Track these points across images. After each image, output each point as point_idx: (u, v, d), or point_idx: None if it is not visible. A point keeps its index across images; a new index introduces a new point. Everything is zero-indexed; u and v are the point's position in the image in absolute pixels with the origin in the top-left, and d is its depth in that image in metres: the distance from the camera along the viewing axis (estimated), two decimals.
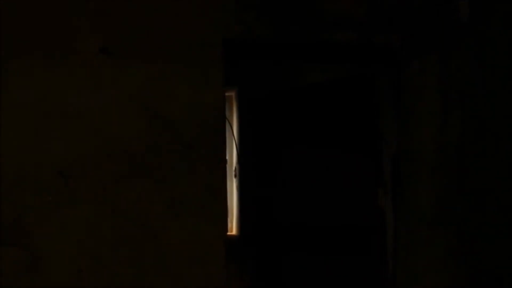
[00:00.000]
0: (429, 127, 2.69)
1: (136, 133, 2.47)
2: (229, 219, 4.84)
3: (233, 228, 4.79)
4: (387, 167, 2.95)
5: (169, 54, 2.51)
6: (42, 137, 2.42)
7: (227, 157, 4.75)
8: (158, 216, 2.47)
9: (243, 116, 4.38)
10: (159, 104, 2.49)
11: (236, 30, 2.58)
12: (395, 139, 2.86)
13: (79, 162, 2.43)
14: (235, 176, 4.70)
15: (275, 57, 2.87)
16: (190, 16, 2.53)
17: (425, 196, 2.72)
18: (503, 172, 2.28)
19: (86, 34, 2.46)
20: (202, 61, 2.53)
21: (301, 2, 2.64)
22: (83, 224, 2.44)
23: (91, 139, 2.45)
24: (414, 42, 2.74)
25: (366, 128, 3.18)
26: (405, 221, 2.79)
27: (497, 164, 2.35)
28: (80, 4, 2.45)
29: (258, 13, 2.58)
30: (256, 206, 4.17)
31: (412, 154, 2.76)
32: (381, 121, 3.02)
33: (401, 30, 2.73)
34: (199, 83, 2.52)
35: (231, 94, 4.73)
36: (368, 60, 2.98)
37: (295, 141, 3.67)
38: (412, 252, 2.77)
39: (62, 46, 2.44)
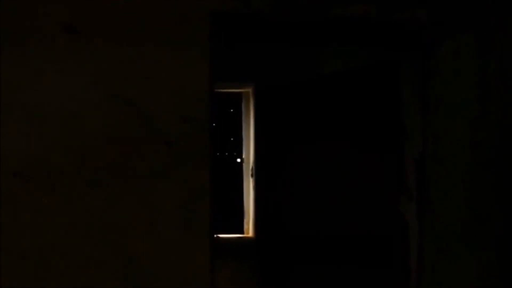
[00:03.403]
0: (463, 121, 2.43)
1: (106, 127, 2.18)
2: (245, 221, 4.71)
3: (249, 230, 4.64)
4: (411, 169, 2.68)
5: (145, 32, 2.20)
6: None
7: (243, 156, 4.69)
8: (131, 224, 2.18)
9: (258, 112, 4.26)
10: (133, 93, 2.19)
11: (230, 4, 2.25)
12: (421, 136, 2.58)
13: (38, 162, 2.15)
14: (252, 175, 4.54)
15: (277, 37, 2.48)
16: None
17: (457, 204, 2.45)
18: None
19: (48, 10, 2.15)
20: (185, 41, 2.21)
21: None
22: (42, 236, 2.14)
23: (53, 135, 2.16)
24: (445, 19, 2.45)
25: (387, 124, 2.93)
26: (432, 233, 2.51)
27: None
28: None
29: None
30: (266, 209, 4.01)
31: (441, 153, 2.48)
32: (404, 115, 2.77)
33: (430, 4, 2.42)
34: (180, 68, 2.20)
35: (248, 90, 4.57)
36: (390, 41, 2.62)
37: (308, 140, 3.48)
38: (440, 269, 2.50)
39: (18, 25, 2.15)
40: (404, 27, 2.42)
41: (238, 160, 5.20)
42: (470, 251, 2.41)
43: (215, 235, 4.21)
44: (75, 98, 2.17)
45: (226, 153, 5.31)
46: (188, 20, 2.20)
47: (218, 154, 5.17)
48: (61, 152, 2.16)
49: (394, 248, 2.84)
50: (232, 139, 5.29)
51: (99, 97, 2.18)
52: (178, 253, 2.21)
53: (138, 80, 2.19)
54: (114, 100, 2.17)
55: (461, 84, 2.45)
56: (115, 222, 2.18)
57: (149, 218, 2.19)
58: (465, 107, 2.44)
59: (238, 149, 5.12)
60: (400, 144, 2.77)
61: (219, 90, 4.52)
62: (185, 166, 2.20)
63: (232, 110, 5.22)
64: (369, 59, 3.10)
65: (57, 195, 2.15)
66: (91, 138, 2.17)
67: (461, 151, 2.45)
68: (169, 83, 2.20)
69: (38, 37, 2.15)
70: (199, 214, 2.22)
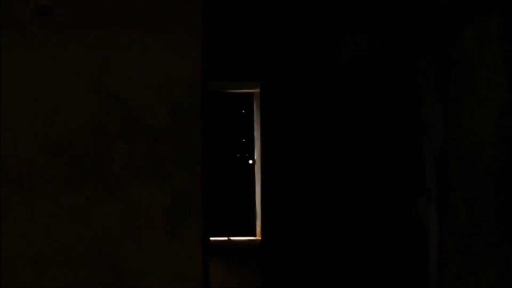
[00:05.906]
0: (488, 112, 2.21)
1: (87, 121, 1.96)
2: (257, 223, 4.45)
3: (260, 233, 4.38)
4: (431, 168, 2.49)
5: (129, 16, 1.96)
6: None
7: (255, 157, 4.48)
8: (110, 233, 1.96)
9: (262, 111, 3.95)
10: (116, 83, 1.95)
11: None
12: (441, 131, 2.40)
13: (13, 159, 1.93)
14: None
15: (279, 21, 2.06)
16: None
17: (483, 206, 2.23)
18: None
19: None
20: (174, 25, 1.97)
21: None
22: (20, 238, 1.91)
23: (29, 129, 1.95)
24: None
25: (404, 119, 2.66)
26: (455, 239, 2.29)
27: None
28: None
29: None
30: (271, 211, 3.74)
31: (464, 149, 2.29)
32: (422, 109, 2.54)
33: None
34: (170, 55, 1.96)
35: (258, 90, 4.31)
36: (405, 24, 2.38)
37: (315, 139, 3.21)
38: (464, 279, 2.27)
39: None
40: (421, 8, 2.18)
41: (250, 161, 5.09)
42: (499, 259, 2.14)
43: (227, 238, 4.00)
44: (53, 89, 1.95)
45: (238, 155, 5.16)
46: (178, 1, 1.96)
47: (230, 155, 5.02)
48: (38, 149, 1.94)
49: (410, 256, 2.59)
50: (244, 140, 5.18)
51: (79, 87, 1.95)
52: (166, 261, 1.99)
53: (123, 68, 1.96)
54: (95, 91, 1.95)
55: (486, 72, 2.21)
56: (94, 230, 1.95)
57: (133, 225, 1.97)
58: (491, 97, 2.20)
59: (250, 151, 5.01)
60: (417, 141, 2.57)
61: (230, 91, 4.44)
62: (175, 163, 1.97)
63: (244, 111, 5.10)
64: (380, 48, 2.79)
65: (34, 194, 1.93)
66: (70, 134, 1.95)
67: (486, 146, 2.22)
68: (157, 72, 1.97)
69: (10, 21, 1.93)
70: (190, 217, 2.00)
